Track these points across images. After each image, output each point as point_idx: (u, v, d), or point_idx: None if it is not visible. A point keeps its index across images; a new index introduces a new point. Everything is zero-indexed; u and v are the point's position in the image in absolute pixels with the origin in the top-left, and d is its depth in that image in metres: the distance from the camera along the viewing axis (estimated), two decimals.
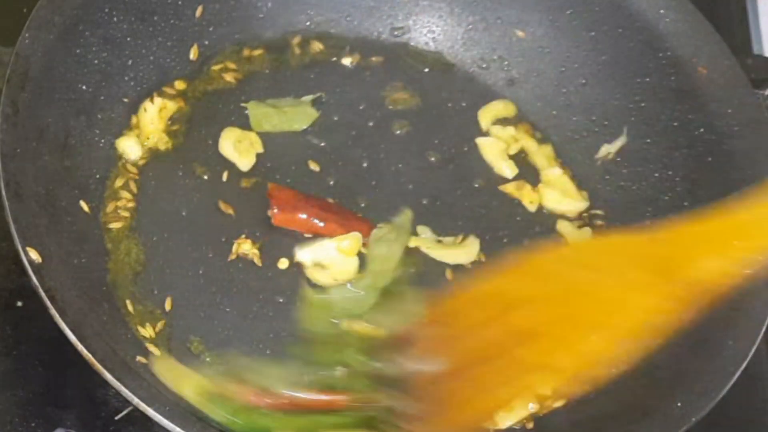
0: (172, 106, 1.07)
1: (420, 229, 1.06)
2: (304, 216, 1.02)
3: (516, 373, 0.78)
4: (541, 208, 1.10)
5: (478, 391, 0.79)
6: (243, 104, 1.10)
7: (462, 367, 0.80)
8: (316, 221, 1.02)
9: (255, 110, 1.09)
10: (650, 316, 0.75)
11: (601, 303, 0.76)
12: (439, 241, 1.05)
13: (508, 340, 0.78)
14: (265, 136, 1.08)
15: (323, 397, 0.86)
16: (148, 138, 1.05)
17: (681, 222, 0.78)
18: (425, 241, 1.04)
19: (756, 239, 0.74)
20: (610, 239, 0.85)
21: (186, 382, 0.86)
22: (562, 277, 0.79)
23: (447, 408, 0.80)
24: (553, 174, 1.11)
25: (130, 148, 1.04)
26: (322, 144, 1.10)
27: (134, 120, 1.05)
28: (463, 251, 1.05)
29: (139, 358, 0.89)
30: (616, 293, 0.76)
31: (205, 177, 1.05)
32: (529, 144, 1.14)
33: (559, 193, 1.10)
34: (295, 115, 1.10)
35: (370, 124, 1.12)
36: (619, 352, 0.77)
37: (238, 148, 1.06)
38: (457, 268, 1.04)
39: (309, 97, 1.11)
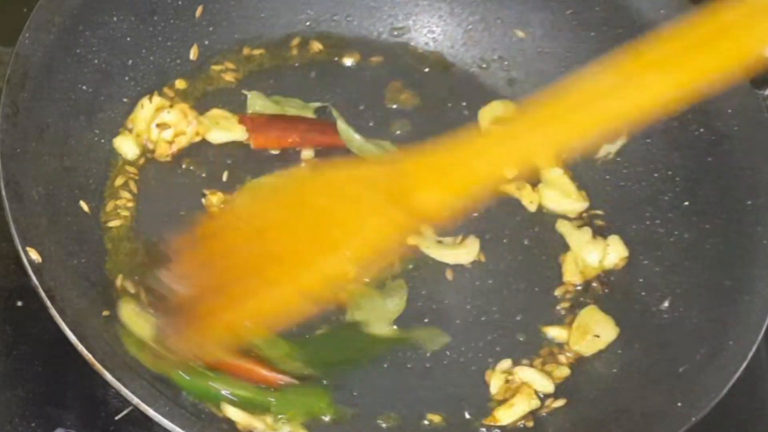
0: (167, 104, 1.07)
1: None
2: (279, 132, 1.04)
3: (265, 290, 0.85)
4: (541, 208, 1.10)
5: (229, 308, 0.86)
6: (245, 92, 1.09)
7: (216, 285, 0.87)
8: (294, 134, 1.05)
9: (254, 99, 1.09)
10: (383, 238, 0.83)
11: (342, 226, 0.84)
12: (440, 242, 1.05)
13: (258, 260, 0.85)
14: None
15: None
16: (143, 137, 1.04)
17: (412, 154, 0.85)
18: (425, 241, 1.04)
19: (469, 176, 0.81)
20: (350, 170, 0.89)
21: (145, 326, 0.89)
22: (308, 204, 0.87)
23: (201, 322, 0.87)
24: (553, 174, 1.11)
25: (126, 146, 1.04)
26: None
27: (131, 118, 1.05)
28: (464, 251, 1.05)
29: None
30: (354, 218, 0.84)
31: (203, 176, 1.05)
32: None
33: (559, 193, 1.10)
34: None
35: (371, 124, 1.12)
36: (358, 270, 0.85)
37: (223, 124, 1.07)
38: (456, 267, 1.04)
39: (315, 104, 1.11)
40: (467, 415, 0.96)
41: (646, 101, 0.76)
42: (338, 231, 0.84)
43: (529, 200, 1.10)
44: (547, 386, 0.97)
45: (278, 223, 0.87)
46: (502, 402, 0.96)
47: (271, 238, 0.86)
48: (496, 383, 0.97)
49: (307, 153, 1.08)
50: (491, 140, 0.84)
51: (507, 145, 0.81)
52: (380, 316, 0.98)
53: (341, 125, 1.08)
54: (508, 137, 0.82)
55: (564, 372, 0.99)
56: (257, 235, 0.87)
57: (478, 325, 1.01)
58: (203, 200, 1.03)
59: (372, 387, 0.96)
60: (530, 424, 0.95)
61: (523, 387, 0.96)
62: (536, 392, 0.96)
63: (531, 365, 0.99)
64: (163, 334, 0.88)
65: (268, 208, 0.90)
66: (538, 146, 0.80)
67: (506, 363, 0.99)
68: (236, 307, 0.86)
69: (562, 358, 1.00)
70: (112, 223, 0.99)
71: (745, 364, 0.89)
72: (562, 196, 1.10)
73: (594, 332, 1.00)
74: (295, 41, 1.16)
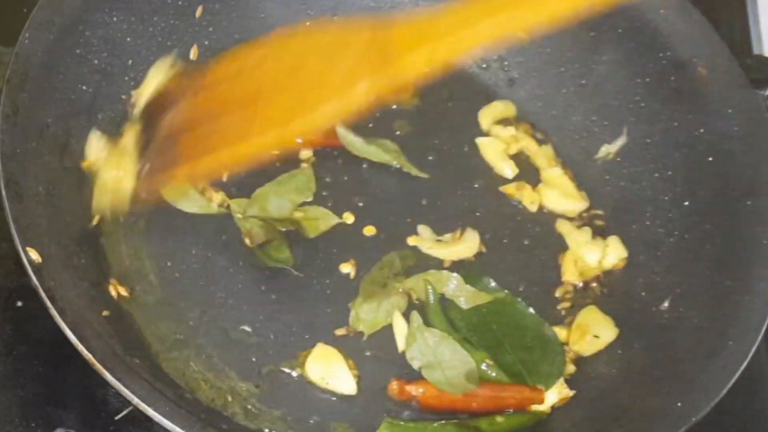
0: None
1: (420, 228, 1.06)
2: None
3: (248, 127, 0.91)
4: (541, 207, 1.10)
5: (212, 142, 0.92)
6: None
7: (204, 117, 0.94)
8: None
9: None
10: (363, 97, 0.87)
11: (326, 85, 0.89)
12: (439, 240, 1.05)
13: (246, 96, 0.92)
14: None
15: None
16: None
17: (399, 19, 0.88)
18: (425, 242, 1.05)
19: (452, 43, 0.84)
20: (337, 33, 0.93)
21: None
22: (296, 64, 0.92)
23: (185, 158, 0.94)
24: (553, 174, 1.11)
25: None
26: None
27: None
28: (464, 246, 1.05)
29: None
30: (340, 75, 0.88)
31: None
32: (530, 144, 1.14)
33: (559, 193, 1.10)
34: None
35: (370, 125, 1.12)
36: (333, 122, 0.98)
37: None
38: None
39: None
40: None
41: None
42: (322, 89, 0.89)
43: (530, 200, 1.10)
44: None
45: (267, 79, 0.92)
46: None
47: (262, 78, 0.92)
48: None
49: (306, 153, 1.09)
50: (474, 11, 0.85)
51: (490, 16, 0.83)
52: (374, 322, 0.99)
53: (341, 130, 1.08)
54: (489, 9, 0.84)
55: (569, 369, 0.99)
56: (247, 86, 0.93)
57: None
58: (203, 197, 1.03)
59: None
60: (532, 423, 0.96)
61: None
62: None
63: None
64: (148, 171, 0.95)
65: (260, 65, 0.94)
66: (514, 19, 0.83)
67: None
68: (217, 154, 0.92)
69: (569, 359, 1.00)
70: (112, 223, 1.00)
71: (745, 364, 0.89)
72: (562, 196, 1.10)
73: (594, 332, 1.00)
74: None
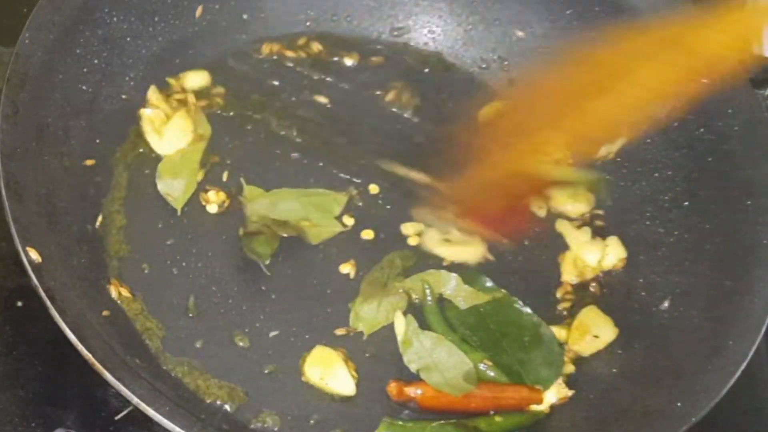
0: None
1: (423, 228, 1.06)
2: None
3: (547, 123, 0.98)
4: (549, 210, 1.10)
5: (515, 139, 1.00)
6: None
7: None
8: None
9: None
10: (665, 85, 0.92)
11: (625, 77, 0.93)
12: (447, 240, 1.05)
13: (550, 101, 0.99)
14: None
15: None
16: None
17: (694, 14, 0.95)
18: (431, 240, 1.04)
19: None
20: (639, 32, 0.96)
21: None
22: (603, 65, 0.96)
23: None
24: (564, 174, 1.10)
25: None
26: None
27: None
28: (470, 250, 1.04)
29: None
30: (638, 68, 0.92)
31: (199, 178, 1.05)
32: None
33: (566, 195, 1.09)
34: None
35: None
36: (632, 118, 0.97)
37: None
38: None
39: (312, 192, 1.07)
40: None
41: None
42: (624, 81, 0.93)
43: (537, 206, 1.09)
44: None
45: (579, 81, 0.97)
46: None
47: (569, 86, 0.97)
48: None
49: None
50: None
51: None
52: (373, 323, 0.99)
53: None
54: None
55: (568, 369, 0.99)
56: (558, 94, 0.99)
57: None
58: (201, 197, 1.03)
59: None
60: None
61: None
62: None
63: None
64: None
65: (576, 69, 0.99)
66: None
67: None
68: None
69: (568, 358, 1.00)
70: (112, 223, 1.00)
71: (745, 364, 0.89)
72: (568, 198, 1.09)
73: (593, 332, 1.00)
74: (295, 41, 1.16)
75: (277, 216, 1.02)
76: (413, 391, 0.94)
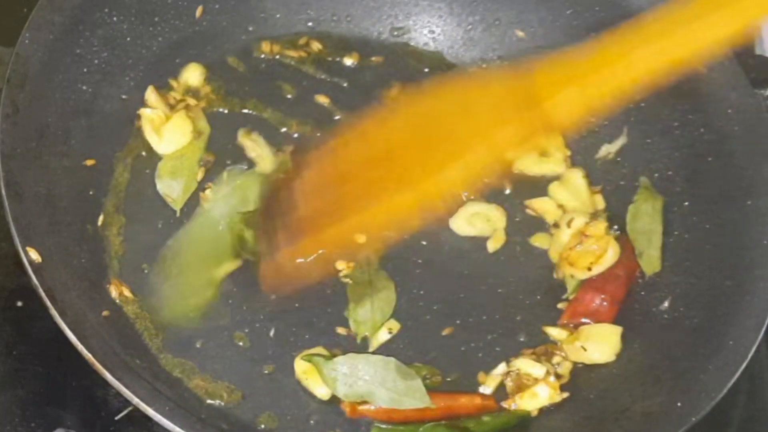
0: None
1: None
2: None
3: (376, 192, 0.89)
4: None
5: (345, 219, 0.91)
6: None
7: (336, 198, 0.91)
8: None
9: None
10: (508, 146, 0.86)
11: (463, 136, 0.87)
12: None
13: (379, 172, 0.90)
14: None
15: None
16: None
17: (540, 62, 0.87)
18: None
19: (608, 78, 0.84)
20: (473, 79, 0.93)
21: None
22: (435, 115, 0.89)
23: (317, 235, 0.92)
24: (573, 175, 1.09)
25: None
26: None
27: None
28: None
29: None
30: (477, 127, 0.86)
31: (199, 177, 1.05)
32: None
33: (570, 195, 1.09)
34: None
35: None
36: (475, 178, 0.90)
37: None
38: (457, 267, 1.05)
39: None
40: None
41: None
42: (465, 140, 0.86)
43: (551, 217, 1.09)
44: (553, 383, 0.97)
45: (403, 137, 0.90)
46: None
47: (395, 152, 0.89)
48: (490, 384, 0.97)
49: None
50: (621, 48, 0.85)
51: (637, 51, 0.83)
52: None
53: None
54: (635, 45, 0.84)
55: (566, 368, 0.99)
56: (380, 149, 0.90)
57: (479, 325, 1.01)
58: (201, 195, 1.03)
59: None
60: (535, 412, 0.95)
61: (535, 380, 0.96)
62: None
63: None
64: (277, 248, 0.92)
65: (393, 124, 0.93)
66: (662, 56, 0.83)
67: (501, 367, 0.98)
68: (352, 218, 0.89)
69: (563, 358, 1.00)
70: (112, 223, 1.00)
71: (745, 364, 0.89)
72: (572, 198, 1.09)
73: (593, 341, 1.00)
74: (302, 40, 1.16)
75: None
76: (366, 409, 0.92)
